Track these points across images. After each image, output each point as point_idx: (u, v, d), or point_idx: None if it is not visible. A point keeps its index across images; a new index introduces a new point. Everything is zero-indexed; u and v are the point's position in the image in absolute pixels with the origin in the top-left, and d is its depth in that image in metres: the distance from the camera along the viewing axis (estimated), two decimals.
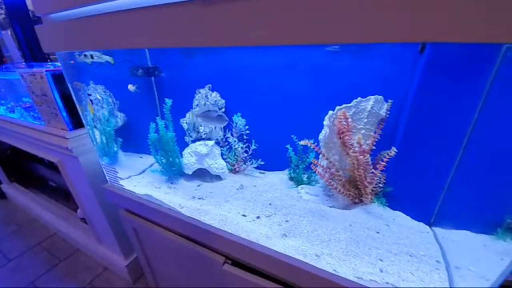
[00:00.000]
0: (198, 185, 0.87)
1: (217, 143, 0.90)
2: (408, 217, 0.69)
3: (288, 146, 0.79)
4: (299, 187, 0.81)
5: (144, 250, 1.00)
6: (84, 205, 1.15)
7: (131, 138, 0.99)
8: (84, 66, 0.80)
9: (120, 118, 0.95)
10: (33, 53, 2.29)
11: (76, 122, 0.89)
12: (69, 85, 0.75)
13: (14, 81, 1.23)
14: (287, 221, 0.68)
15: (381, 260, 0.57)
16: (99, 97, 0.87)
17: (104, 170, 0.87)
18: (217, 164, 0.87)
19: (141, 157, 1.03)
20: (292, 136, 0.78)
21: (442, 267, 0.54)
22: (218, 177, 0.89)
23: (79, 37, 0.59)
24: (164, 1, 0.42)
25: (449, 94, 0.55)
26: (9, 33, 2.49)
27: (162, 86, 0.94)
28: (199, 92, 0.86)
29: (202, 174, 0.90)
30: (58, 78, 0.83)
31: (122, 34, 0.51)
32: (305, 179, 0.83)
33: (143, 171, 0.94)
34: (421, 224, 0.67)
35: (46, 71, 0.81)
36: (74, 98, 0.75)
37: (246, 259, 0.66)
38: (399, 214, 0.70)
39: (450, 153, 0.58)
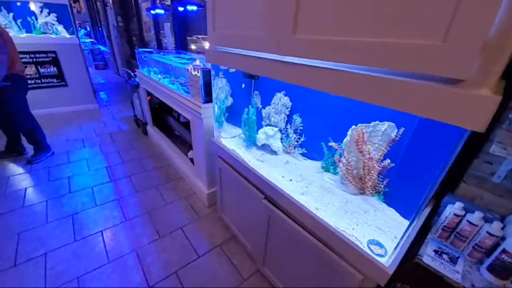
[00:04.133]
0: (262, 154, 1.36)
1: (280, 130, 1.36)
2: (397, 213, 0.96)
3: (322, 143, 1.16)
4: (325, 173, 1.17)
5: (221, 184, 1.60)
6: (196, 150, 1.86)
7: (232, 115, 1.58)
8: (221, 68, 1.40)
9: (229, 101, 1.55)
10: (181, 43, 3.32)
11: (207, 99, 1.53)
12: (212, 79, 1.36)
13: (174, 66, 2.03)
14: (307, 187, 1.08)
15: (357, 225, 0.90)
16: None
17: (214, 130, 1.49)
18: (276, 143, 1.33)
19: (235, 128, 1.62)
20: (329, 138, 1.14)
21: (395, 240, 0.83)
22: (274, 152, 1.36)
23: (228, 60, 1.14)
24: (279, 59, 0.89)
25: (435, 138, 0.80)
26: (169, 26, 3.62)
27: (257, 86, 1.46)
28: (276, 95, 1.33)
29: (265, 148, 1.39)
30: (205, 73, 1.48)
31: (252, 67, 1.02)
32: (331, 169, 1.18)
33: (234, 136, 1.52)
34: (405, 220, 0.93)
35: (201, 69, 1.46)
36: (213, 87, 1.36)
37: (276, 199, 1.10)
38: (390, 209, 0.97)
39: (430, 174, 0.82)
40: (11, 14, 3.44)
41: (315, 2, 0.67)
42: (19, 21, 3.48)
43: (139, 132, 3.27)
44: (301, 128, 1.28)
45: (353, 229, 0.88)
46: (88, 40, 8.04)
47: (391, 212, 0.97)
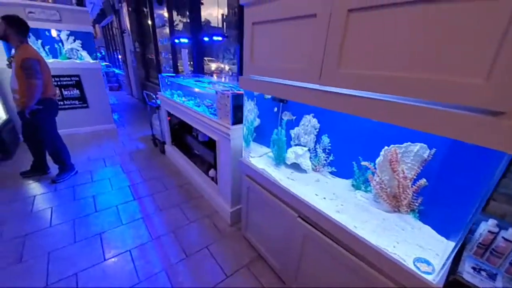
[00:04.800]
0: (291, 172, 1.42)
1: (309, 150, 1.43)
2: (433, 231, 0.99)
3: (354, 162, 1.22)
4: (357, 191, 1.22)
5: (248, 203, 1.64)
6: (221, 169, 1.92)
7: (259, 134, 1.67)
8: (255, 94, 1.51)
9: (257, 122, 1.64)
10: (199, 67, 3.51)
11: (235, 121, 1.62)
12: (244, 103, 1.46)
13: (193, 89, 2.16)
14: (342, 205, 1.13)
15: (397, 242, 0.93)
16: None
17: (243, 150, 1.56)
18: (306, 162, 1.39)
19: (261, 147, 1.69)
20: (359, 157, 1.20)
21: (438, 258, 0.86)
22: (304, 171, 1.41)
23: (263, 88, 1.24)
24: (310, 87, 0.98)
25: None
26: (187, 51, 3.85)
27: (285, 109, 1.55)
28: (306, 117, 1.42)
29: (295, 167, 1.45)
30: (234, 97, 1.58)
31: (281, 93, 1.12)
32: (362, 187, 1.23)
33: (262, 155, 1.59)
34: (443, 238, 0.96)
35: (231, 93, 1.57)
36: (245, 110, 1.45)
37: (312, 218, 1.14)
38: (426, 227, 1.01)
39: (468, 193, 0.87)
40: (40, 41, 3.70)
41: (357, 42, 0.77)
42: (47, 47, 3.74)
43: (156, 151, 3.36)
44: (329, 147, 1.35)
45: (394, 246, 0.91)
46: (104, 63, 8.47)
47: (428, 230, 1.00)
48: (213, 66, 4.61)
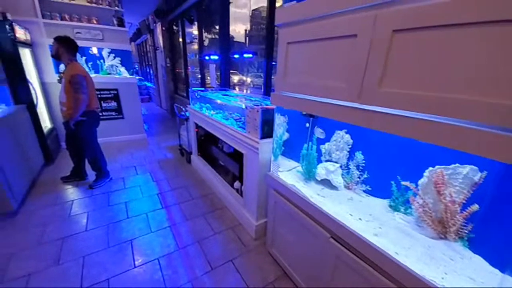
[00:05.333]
0: (322, 189, 1.38)
1: (341, 166, 1.38)
2: (485, 262, 0.89)
3: (392, 182, 1.16)
4: (395, 213, 1.15)
5: (275, 218, 1.61)
6: (247, 182, 1.92)
7: (287, 148, 1.66)
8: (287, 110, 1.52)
9: (286, 136, 1.64)
10: (226, 81, 3.63)
11: (264, 135, 1.63)
12: (274, 118, 1.47)
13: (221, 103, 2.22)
14: (380, 228, 1.06)
15: (446, 273, 0.85)
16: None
17: (271, 164, 1.56)
18: (337, 179, 1.35)
19: (289, 161, 1.68)
20: (398, 176, 1.14)
21: None
22: (335, 188, 1.37)
23: (293, 104, 1.25)
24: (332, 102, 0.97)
25: None
26: (214, 66, 4.02)
27: (315, 123, 1.53)
28: (338, 133, 1.38)
29: (325, 183, 1.41)
30: (264, 111, 1.60)
31: (315, 109, 1.12)
32: (402, 209, 1.15)
33: (290, 170, 1.57)
34: (496, 270, 0.85)
35: (261, 108, 1.59)
36: (275, 125, 1.46)
37: (346, 239, 1.08)
38: (477, 257, 0.91)
39: None
40: (84, 58, 4.10)
41: (402, 62, 0.75)
42: (89, 63, 4.14)
43: (182, 160, 3.48)
44: (363, 164, 1.30)
45: (442, 278, 0.83)
46: (137, 77, 9.15)
47: (479, 260, 0.90)
48: (236, 78, 4.78)
